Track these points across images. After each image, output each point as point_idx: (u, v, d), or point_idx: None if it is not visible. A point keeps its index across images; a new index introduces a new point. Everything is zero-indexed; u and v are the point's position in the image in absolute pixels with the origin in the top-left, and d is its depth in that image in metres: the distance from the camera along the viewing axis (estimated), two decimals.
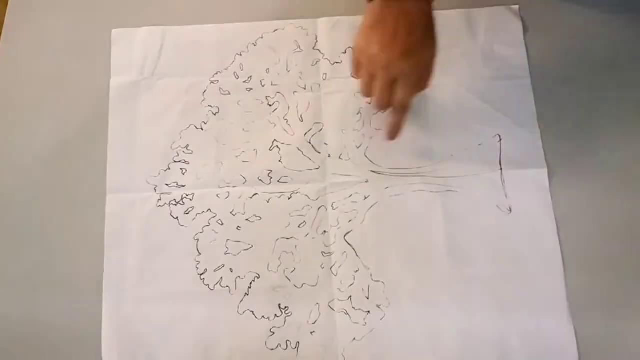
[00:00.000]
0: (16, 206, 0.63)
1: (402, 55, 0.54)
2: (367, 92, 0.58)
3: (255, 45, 0.68)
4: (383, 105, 0.57)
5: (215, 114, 0.65)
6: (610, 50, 0.67)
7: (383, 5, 0.54)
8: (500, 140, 0.63)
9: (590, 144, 0.63)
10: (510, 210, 0.61)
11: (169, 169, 0.64)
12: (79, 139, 0.65)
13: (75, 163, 0.64)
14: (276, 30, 0.68)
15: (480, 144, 0.63)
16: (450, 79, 0.66)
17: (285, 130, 0.65)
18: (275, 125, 0.65)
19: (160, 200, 0.62)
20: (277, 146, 0.64)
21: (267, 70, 0.67)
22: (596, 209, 0.61)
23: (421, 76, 0.56)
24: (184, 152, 0.64)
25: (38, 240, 0.62)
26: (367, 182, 0.63)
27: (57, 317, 0.59)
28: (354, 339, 0.57)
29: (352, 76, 0.60)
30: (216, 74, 0.67)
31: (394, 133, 0.61)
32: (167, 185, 0.63)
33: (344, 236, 0.61)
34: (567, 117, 0.64)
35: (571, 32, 0.68)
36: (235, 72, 0.67)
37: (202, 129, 0.65)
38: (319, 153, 0.64)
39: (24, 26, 0.70)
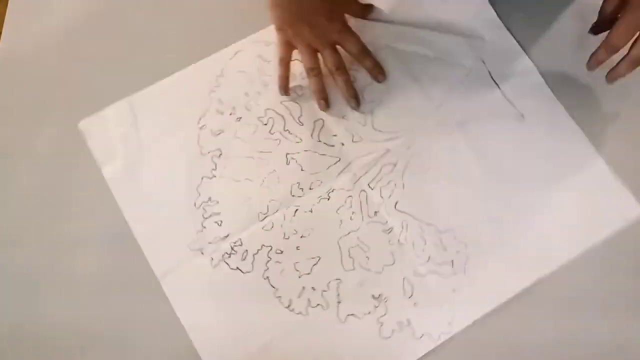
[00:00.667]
0: (16, 206, 0.63)
1: (328, 20, 0.61)
2: (316, 63, 0.64)
3: (223, 76, 0.66)
4: (339, 65, 0.63)
5: (219, 157, 0.64)
6: None
7: None
8: (484, 61, 0.67)
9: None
10: (523, 117, 0.65)
11: (205, 227, 0.62)
12: (80, 137, 0.64)
13: (75, 162, 0.64)
14: (237, 52, 0.67)
15: (468, 75, 0.67)
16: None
17: (290, 140, 0.65)
18: (280, 141, 0.65)
19: (212, 260, 0.61)
20: (292, 158, 0.64)
21: (246, 94, 0.66)
22: None
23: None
24: (209, 205, 0.63)
25: (38, 240, 0.62)
26: (388, 151, 0.64)
27: (57, 317, 0.59)
28: (454, 290, 0.60)
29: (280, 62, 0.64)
30: (200, 118, 0.65)
31: (378, 73, 0.65)
32: (210, 243, 0.61)
33: (395, 207, 0.63)
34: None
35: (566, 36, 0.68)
36: (217, 109, 0.65)
37: (215, 177, 0.63)
38: (333, 146, 0.65)
39: (24, 26, 0.69)
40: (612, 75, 0.59)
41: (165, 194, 0.63)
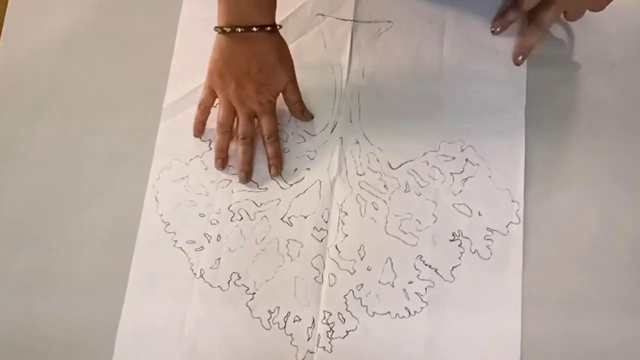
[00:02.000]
0: (15, 206, 0.64)
1: (256, 91, 0.61)
2: (228, 123, 0.63)
3: None
4: (246, 135, 0.62)
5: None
6: (606, 50, 0.66)
7: (232, 43, 0.59)
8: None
9: (577, 144, 0.64)
10: None
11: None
12: (79, 137, 0.66)
13: (76, 162, 0.65)
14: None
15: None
16: None
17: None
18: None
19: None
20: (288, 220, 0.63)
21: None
22: (570, 213, 0.62)
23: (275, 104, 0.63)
24: None
25: (38, 240, 0.63)
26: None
27: (56, 317, 0.60)
28: None
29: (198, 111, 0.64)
30: None
31: (278, 166, 0.63)
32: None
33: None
34: (559, 118, 0.64)
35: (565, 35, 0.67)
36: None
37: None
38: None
39: (24, 26, 0.70)
40: (520, 50, 0.64)
41: None
